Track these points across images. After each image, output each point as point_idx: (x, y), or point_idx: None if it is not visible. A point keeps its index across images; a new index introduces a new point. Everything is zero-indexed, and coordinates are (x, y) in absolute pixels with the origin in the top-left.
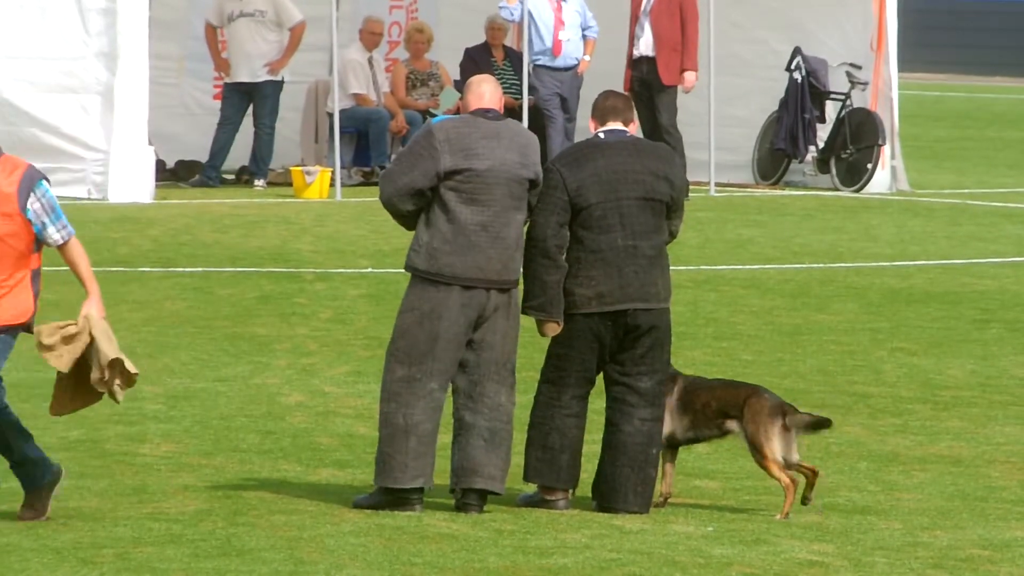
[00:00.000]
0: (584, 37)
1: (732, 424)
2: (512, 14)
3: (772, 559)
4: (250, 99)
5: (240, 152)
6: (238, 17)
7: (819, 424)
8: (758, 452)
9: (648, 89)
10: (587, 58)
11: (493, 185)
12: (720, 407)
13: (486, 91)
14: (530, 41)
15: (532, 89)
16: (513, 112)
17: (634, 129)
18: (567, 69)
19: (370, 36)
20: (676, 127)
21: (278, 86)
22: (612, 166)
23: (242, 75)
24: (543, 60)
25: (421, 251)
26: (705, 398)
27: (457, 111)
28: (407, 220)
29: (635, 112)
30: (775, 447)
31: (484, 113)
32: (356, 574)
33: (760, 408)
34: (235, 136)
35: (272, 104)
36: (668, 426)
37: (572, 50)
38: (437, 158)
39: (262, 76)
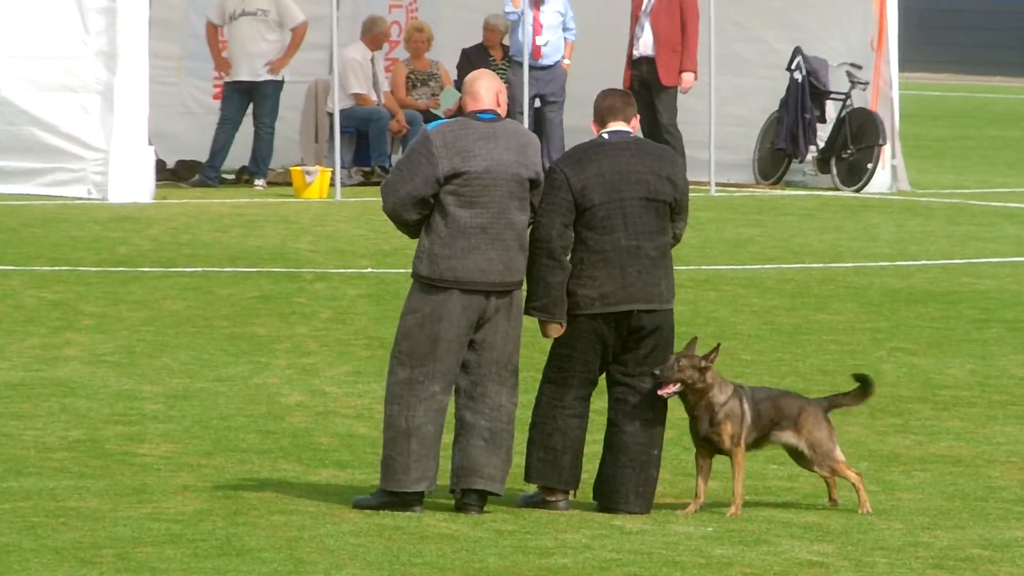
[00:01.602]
0: (564, 39)
1: (785, 435)
2: (517, 15)
3: (772, 559)
4: (250, 98)
5: (240, 152)
6: (240, 16)
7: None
8: (828, 457)
9: (648, 89)
10: (567, 62)
11: (491, 186)
12: (778, 419)
13: (481, 89)
14: (514, 40)
15: (508, 84)
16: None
17: (635, 125)
18: (544, 68)
19: (376, 37)
20: (676, 127)
21: (278, 86)
22: (615, 166)
23: (243, 74)
24: (521, 59)
25: (423, 257)
26: (769, 411)
27: (459, 111)
28: (411, 229)
29: (635, 107)
30: (839, 450)
31: (480, 114)
32: (356, 574)
33: (818, 418)
34: (235, 136)
35: (272, 104)
36: (746, 436)
37: (550, 51)
38: (436, 164)
39: (263, 75)
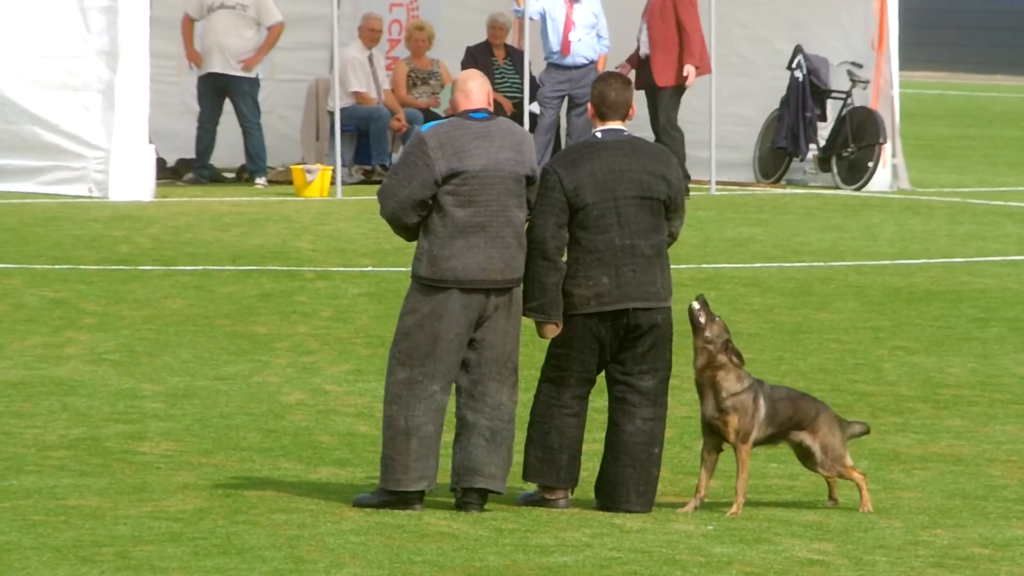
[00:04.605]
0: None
1: (800, 435)
2: (521, 12)
3: (772, 558)
4: (224, 94)
5: (238, 150)
6: (219, 8)
7: (864, 432)
8: (839, 462)
9: (651, 88)
10: None
11: (489, 185)
12: (797, 419)
13: (473, 88)
14: (545, 40)
15: (539, 84)
16: (513, 114)
17: (632, 113)
18: (577, 68)
19: (369, 34)
20: (674, 126)
21: (255, 83)
22: (609, 166)
23: (215, 66)
24: (554, 59)
25: (423, 258)
26: (788, 410)
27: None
28: (410, 232)
29: (632, 95)
30: (848, 454)
31: (473, 113)
32: (356, 572)
33: (832, 422)
34: (216, 131)
35: (252, 101)
36: (756, 432)
37: (582, 49)
38: (432, 166)
39: (235, 69)
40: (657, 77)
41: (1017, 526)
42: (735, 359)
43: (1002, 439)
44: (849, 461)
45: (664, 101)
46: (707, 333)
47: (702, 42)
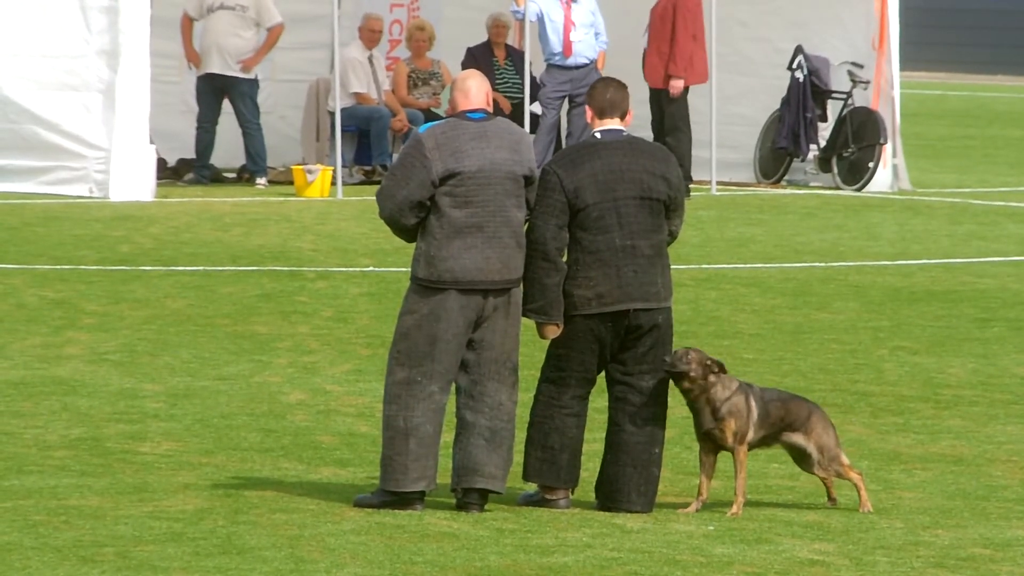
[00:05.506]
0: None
1: (794, 437)
2: (521, 13)
3: (773, 558)
4: (223, 94)
5: (239, 150)
6: (218, 9)
7: None
8: (835, 461)
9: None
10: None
11: (485, 185)
12: (788, 420)
13: (472, 88)
14: (544, 42)
15: (541, 84)
16: (513, 114)
17: (629, 119)
18: (578, 67)
19: (369, 34)
20: (679, 126)
21: (254, 84)
22: (609, 166)
23: (214, 66)
24: (555, 60)
25: (420, 260)
26: (779, 412)
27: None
28: (409, 233)
29: (628, 100)
30: (843, 453)
31: (471, 113)
32: (357, 572)
33: (826, 422)
34: (215, 131)
35: (251, 102)
36: (751, 433)
37: (583, 49)
38: (429, 167)
39: (234, 70)
40: (646, 75)
41: (1018, 526)
42: (716, 370)
43: (1003, 439)
44: (846, 460)
45: (672, 100)
46: (692, 374)
47: (693, 53)
